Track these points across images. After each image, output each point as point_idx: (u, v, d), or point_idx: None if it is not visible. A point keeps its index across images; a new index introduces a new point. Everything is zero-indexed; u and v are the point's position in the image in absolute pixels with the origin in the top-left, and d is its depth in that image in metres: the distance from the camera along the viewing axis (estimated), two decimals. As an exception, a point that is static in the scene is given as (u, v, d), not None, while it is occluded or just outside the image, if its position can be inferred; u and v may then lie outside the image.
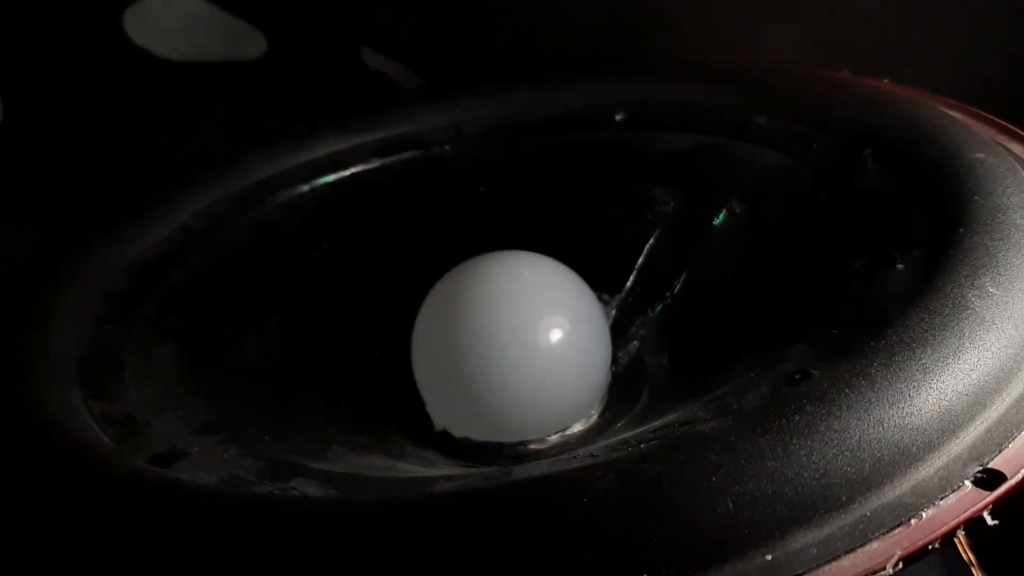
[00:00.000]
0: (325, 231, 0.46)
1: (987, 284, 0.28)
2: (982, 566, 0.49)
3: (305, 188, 0.46)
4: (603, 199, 0.46)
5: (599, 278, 0.44)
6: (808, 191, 0.40)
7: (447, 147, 0.48)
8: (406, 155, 0.48)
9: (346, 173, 0.47)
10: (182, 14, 0.69)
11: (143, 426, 0.32)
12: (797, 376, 0.29)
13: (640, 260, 0.44)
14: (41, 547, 0.26)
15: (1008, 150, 0.38)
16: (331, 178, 0.47)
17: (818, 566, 0.23)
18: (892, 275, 0.33)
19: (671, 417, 0.33)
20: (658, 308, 0.43)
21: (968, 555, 0.49)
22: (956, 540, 0.49)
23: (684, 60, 0.56)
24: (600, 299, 0.44)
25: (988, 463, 0.25)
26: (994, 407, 0.26)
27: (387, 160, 0.47)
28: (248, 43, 0.69)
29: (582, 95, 0.48)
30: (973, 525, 0.23)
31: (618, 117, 0.46)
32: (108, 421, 0.32)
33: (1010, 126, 0.40)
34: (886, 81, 0.47)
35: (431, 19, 0.71)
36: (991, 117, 0.41)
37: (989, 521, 0.23)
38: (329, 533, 0.25)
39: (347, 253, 0.46)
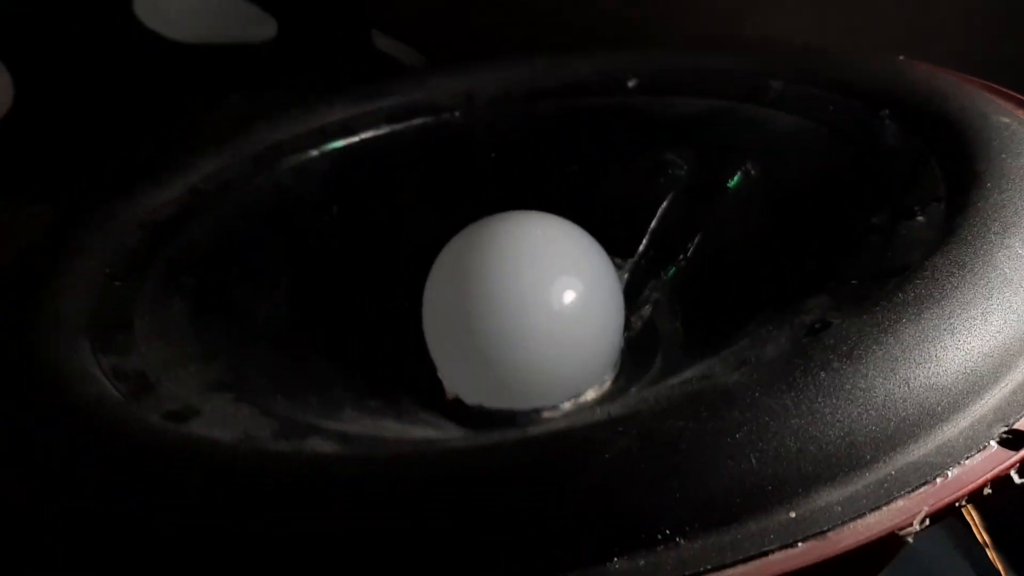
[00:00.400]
0: (335, 195, 0.45)
1: (1016, 245, 0.28)
2: (998, 550, 0.49)
3: (315, 153, 0.46)
4: (616, 163, 0.46)
5: (612, 242, 0.43)
6: (824, 151, 0.39)
7: (457, 113, 0.47)
8: (416, 121, 0.47)
9: (356, 139, 0.47)
10: (192, -3, 0.69)
11: (154, 382, 0.32)
12: (817, 326, 0.29)
13: (653, 223, 0.43)
14: (58, 505, 0.26)
15: None
16: (341, 143, 0.46)
17: (843, 523, 0.22)
18: (913, 227, 0.32)
19: (687, 374, 0.32)
20: (671, 271, 0.42)
21: (983, 537, 0.49)
22: (972, 522, 0.50)
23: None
24: (613, 263, 0.42)
25: (1013, 424, 0.25)
26: (1020, 369, 0.26)
27: (397, 126, 0.47)
28: (258, 26, 0.69)
29: (595, 63, 0.48)
30: (1000, 485, 0.23)
31: (631, 83, 0.46)
32: (118, 376, 0.31)
33: (1028, 100, 0.40)
34: (901, 58, 0.46)
35: (441, 2, 0.71)
36: (1007, 91, 0.41)
37: (1016, 479, 0.23)
38: (346, 486, 0.24)
39: (357, 217, 0.45)
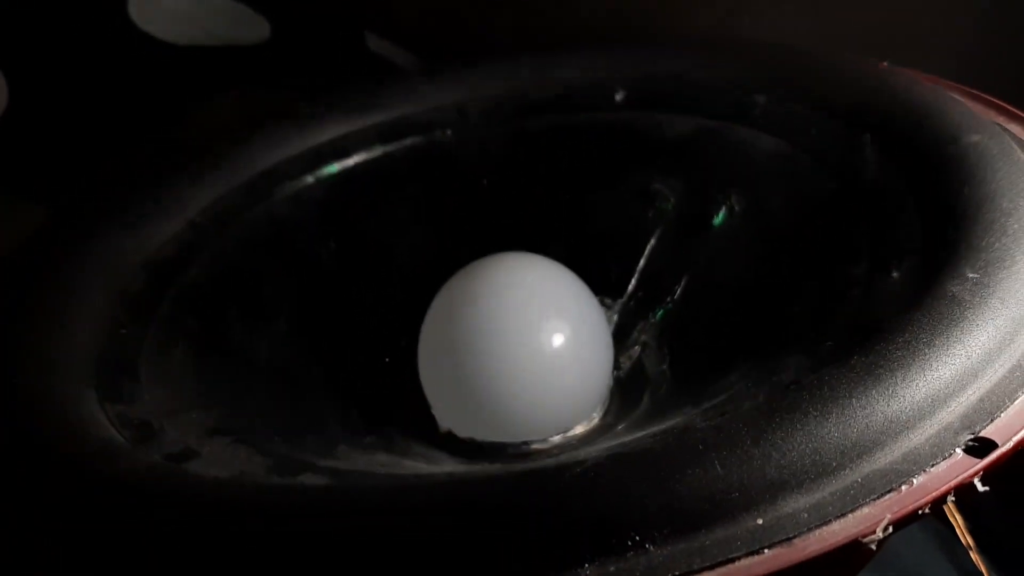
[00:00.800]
0: (332, 228, 0.46)
1: (966, 271, 0.29)
2: (981, 552, 0.49)
3: (311, 179, 0.46)
4: (605, 191, 0.46)
5: (602, 281, 0.44)
6: (807, 183, 0.40)
7: (449, 131, 0.48)
8: (408, 141, 0.47)
9: (350, 163, 0.47)
10: (186, -1, 0.69)
11: (157, 429, 0.33)
12: (792, 387, 0.30)
13: (642, 263, 0.44)
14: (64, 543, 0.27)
15: (1008, 131, 0.38)
16: (335, 168, 0.46)
17: (808, 530, 0.23)
18: (889, 283, 0.33)
19: (670, 423, 0.33)
20: (659, 313, 0.43)
21: (967, 539, 0.50)
22: (955, 524, 0.50)
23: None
24: (603, 303, 0.44)
25: (979, 431, 0.25)
26: (986, 377, 0.26)
27: (390, 147, 0.47)
28: (252, 28, 0.69)
29: (582, 68, 0.48)
30: (964, 493, 0.24)
31: (618, 96, 0.46)
32: (124, 424, 0.32)
33: (1010, 107, 0.40)
34: (884, 64, 0.47)
35: (434, 4, 0.71)
36: (991, 99, 0.41)
37: (980, 487, 0.24)
38: (332, 513, 0.25)
39: (353, 253, 0.46)
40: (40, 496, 0.28)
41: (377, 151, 0.47)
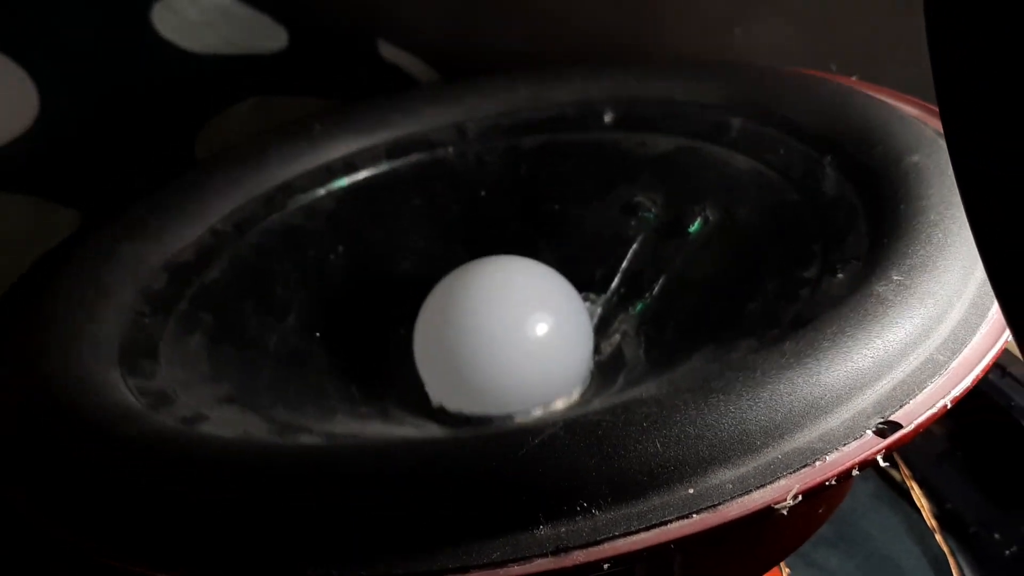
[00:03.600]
0: (340, 235, 0.50)
1: (893, 275, 0.33)
2: (944, 533, 0.52)
3: (322, 192, 0.50)
4: (593, 201, 0.50)
5: (588, 280, 0.49)
6: (774, 197, 0.44)
7: (450, 148, 0.52)
8: (413, 157, 0.52)
9: (358, 177, 0.51)
10: (207, 8, 0.72)
11: (172, 397, 0.37)
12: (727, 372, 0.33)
13: (624, 264, 0.48)
14: (85, 497, 0.31)
15: None
16: (345, 182, 0.51)
17: (732, 498, 0.27)
18: (833, 283, 0.37)
19: (627, 396, 0.37)
20: (638, 307, 0.47)
21: (932, 522, 0.53)
22: (921, 509, 0.53)
23: (674, 54, 0.60)
24: (588, 299, 0.48)
25: (889, 416, 0.29)
26: (900, 369, 0.30)
27: (395, 163, 0.52)
28: (270, 37, 0.72)
29: (574, 92, 0.52)
30: (865, 465, 0.27)
31: (607, 118, 0.50)
32: (143, 393, 0.36)
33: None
34: (854, 79, 0.50)
35: (446, 13, 0.73)
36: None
37: (881, 463, 0.27)
38: (321, 468, 0.29)
39: (359, 256, 0.50)
40: (68, 454, 0.33)
41: (384, 166, 0.52)
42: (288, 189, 0.49)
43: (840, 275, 0.37)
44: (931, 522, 0.52)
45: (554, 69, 0.55)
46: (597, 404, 0.41)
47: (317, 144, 0.51)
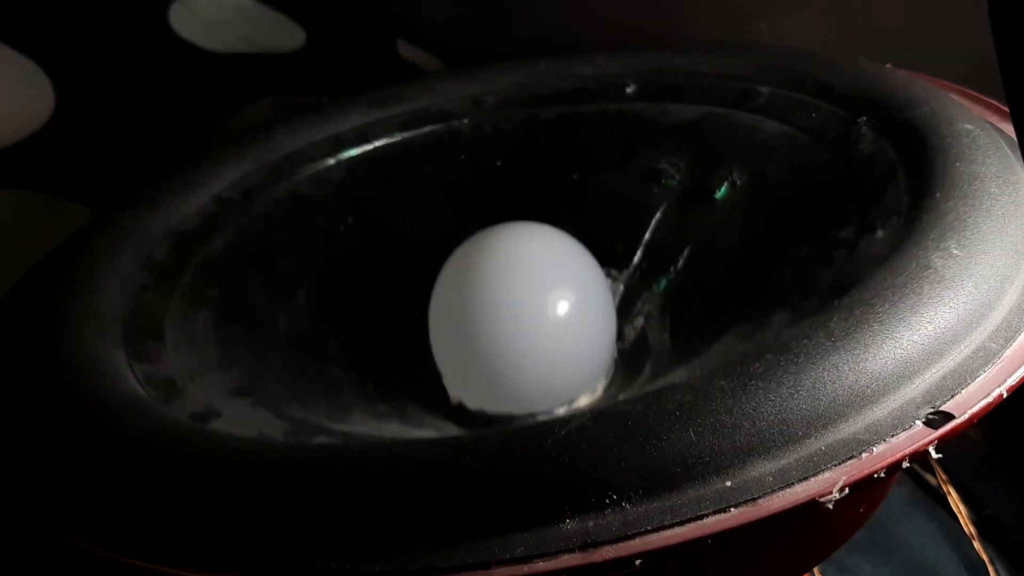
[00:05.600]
0: (350, 204, 0.48)
1: (952, 247, 0.30)
2: (983, 541, 0.50)
3: (332, 161, 0.48)
4: (614, 170, 0.48)
5: (609, 252, 0.46)
6: (805, 157, 0.41)
7: (466, 120, 0.50)
8: (427, 128, 0.50)
9: (370, 146, 0.49)
10: (225, 7, 0.71)
11: (182, 388, 0.35)
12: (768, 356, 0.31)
13: (647, 235, 0.46)
14: (89, 497, 0.30)
15: (999, 130, 0.39)
16: (356, 151, 0.49)
17: (772, 492, 0.25)
18: (873, 242, 0.34)
19: (659, 383, 0.35)
20: (662, 284, 0.45)
21: (970, 529, 0.51)
22: (959, 515, 0.51)
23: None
24: (609, 275, 0.46)
25: (940, 406, 0.27)
26: (951, 357, 0.28)
27: (408, 134, 0.49)
28: (288, 36, 0.72)
29: (596, 68, 0.50)
30: (916, 458, 0.25)
31: (629, 90, 0.48)
32: (150, 381, 0.35)
33: (1005, 107, 0.42)
34: (889, 66, 0.48)
35: (464, 12, 0.73)
36: (987, 99, 0.42)
37: (934, 455, 0.25)
38: (341, 466, 0.28)
39: (371, 226, 0.48)
40: (71, 448, 0.31)
41: (397, 137, 0.50)
42: (296, 158, 0.48)
43: (880, 233, 0.34)
44: (969, 528, 0.50)
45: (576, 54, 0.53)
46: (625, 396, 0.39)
47: (328, 117, 0.49)
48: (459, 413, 0.42)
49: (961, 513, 0.51)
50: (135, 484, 0.29)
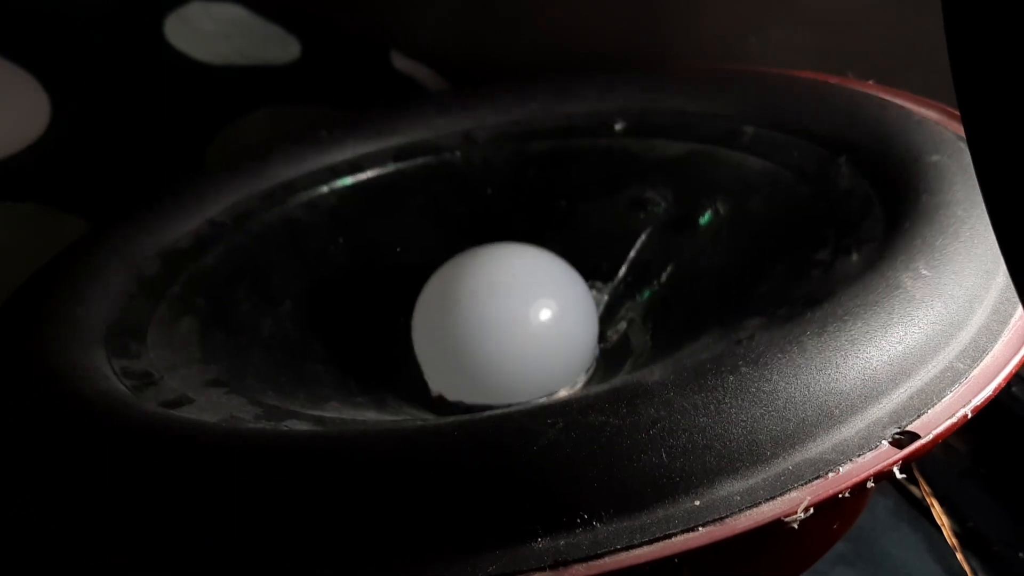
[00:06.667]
0: (341, 228, 0.49)
1: (920, 267, 0.31)
2: (966, 552, 0.51)
3: (325, 189, 0.49)
4: (601, 199, 0.49)
5: (595, 269, 0.47)
6: (787, 190, 0.43)
7: (458, 152, 0.51)
8: (420, 160, 0.51)
9: (363, 176, 0.50)
10: (220, 19, 0.72)
11: (157, 379, 0.36)
12: (742, 340, 0.32)
13: (632, 253, 0.47)
14: (64, 488, 0.30)
15: None
16: (349, 181, 0.50)
17: (740, 511, 0.25)
18: (847, 263, 0.35)
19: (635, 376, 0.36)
20: (645, 294, 0.46)
21: (952, 540, 0.51)
22: (942, 527, 0.52)
23: (687, 65, 0.59)
24: (594, 287, 0.47)
25: (906, 426, 0.27)
26: (918, 376, 0.29)
27: (401, 164, 0.51)
28: (283, 47, 0.72)
29: (586, 103, 0.51)
30: (881, 478, 0.26)
31: (618, 127, 0.49)
32: (127, 375, 0.36)
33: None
34: (871, 83, 0.49)
35: (459, 24, 0.73)
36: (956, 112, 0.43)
37: (898, 475, 0.26)
38: (308, 456, 0.28)
39: (360, 247, 0.49)
40: (47, 437, 0.32)
41: (390, 167, 0.51)
42: (290, 187, 0.49)
43: (855, 256, 0.35)
44: (952, 540, 0.51)
45: (565, 78, 0.54)
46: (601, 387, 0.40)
47: (322, 147, 0.51)
48: (438, 404, 0.43)
49: (944, 525, 0.51)
50: (94, 472, 0.30)
